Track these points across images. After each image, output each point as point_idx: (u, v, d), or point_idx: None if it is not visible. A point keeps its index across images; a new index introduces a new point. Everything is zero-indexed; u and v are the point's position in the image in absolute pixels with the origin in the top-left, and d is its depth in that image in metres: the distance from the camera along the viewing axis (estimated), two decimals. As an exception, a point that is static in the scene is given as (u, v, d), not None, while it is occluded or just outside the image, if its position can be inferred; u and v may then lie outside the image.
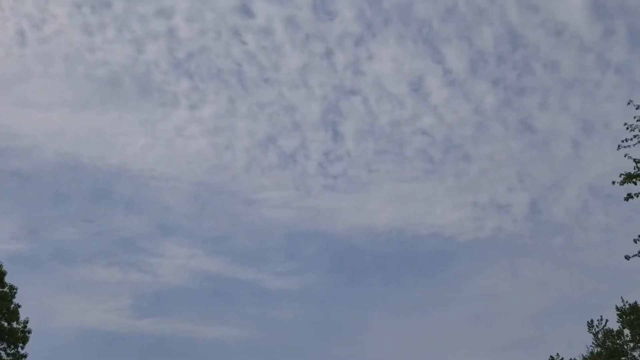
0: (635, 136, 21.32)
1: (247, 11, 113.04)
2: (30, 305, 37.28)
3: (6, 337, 34.27)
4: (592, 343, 40.28)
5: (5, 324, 34.58)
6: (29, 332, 35.19)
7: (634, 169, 21.09)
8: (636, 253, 21.19)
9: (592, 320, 40.64)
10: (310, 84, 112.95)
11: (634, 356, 38.20)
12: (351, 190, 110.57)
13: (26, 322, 35.34)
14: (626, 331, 38.98)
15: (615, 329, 39.44)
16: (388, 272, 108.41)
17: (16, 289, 35.44)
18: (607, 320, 40.06)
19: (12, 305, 35.01)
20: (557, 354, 41.46)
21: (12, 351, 34.59)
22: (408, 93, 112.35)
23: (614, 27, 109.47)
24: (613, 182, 21.35)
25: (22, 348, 34.94)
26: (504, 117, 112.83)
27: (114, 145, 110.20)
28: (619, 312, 39.09)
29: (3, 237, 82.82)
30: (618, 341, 39.00)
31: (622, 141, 21.36)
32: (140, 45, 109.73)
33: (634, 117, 21.59)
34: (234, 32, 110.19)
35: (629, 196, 21.18)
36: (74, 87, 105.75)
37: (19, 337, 34.69)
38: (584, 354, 40.58)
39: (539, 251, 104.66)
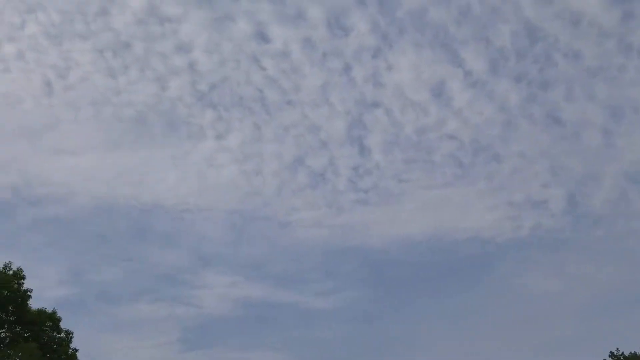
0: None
1: (263, 37, 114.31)
2: (79, 347, 37.65)
3: (67, 381, 34.77)
4: (653, 334, 39.31)
5: (65, 369, 35.09)
6: (88, 375, 35.72)
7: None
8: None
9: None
10: (332, 101, 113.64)
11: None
12: (383, 202, 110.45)
13: (84, 365, 35.88)
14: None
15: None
16: (429, 281, 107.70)
17: (72, 334, 36.07)
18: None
19: (70, 350, 35.54)
20: (617, 348, 40.60)
21: (73, 395, 35.03)
22: (430, 99, 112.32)
23: (633, 10, 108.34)
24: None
25: (83, 391, 35.46)
26: (530, 112, 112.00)
27: (146, 183, 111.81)
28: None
29: (50, 283, 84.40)
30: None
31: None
32: (163, 82, 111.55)
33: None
34: (252, 58, 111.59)
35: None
36: (103, 130, 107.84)
37: (79, 380, 35.21)
38: (645, 346, 39.62)
39: (581, 244, 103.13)
